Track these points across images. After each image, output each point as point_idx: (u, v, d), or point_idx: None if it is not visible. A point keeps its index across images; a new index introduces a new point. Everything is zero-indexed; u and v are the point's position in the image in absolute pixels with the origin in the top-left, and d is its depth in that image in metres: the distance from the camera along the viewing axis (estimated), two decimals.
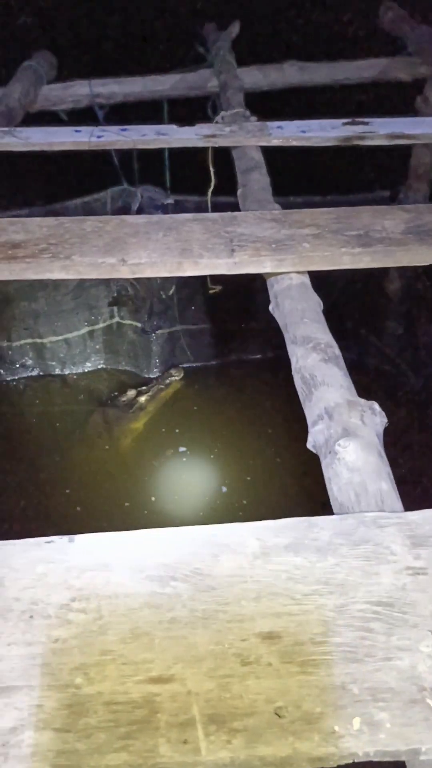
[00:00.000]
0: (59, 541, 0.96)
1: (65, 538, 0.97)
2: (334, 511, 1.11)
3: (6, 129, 2.49)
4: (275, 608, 0.85)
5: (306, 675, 0.78)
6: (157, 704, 0.75)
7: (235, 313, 3.93)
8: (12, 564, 0.91)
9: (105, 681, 0.77)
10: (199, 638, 0.82)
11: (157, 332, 3.93)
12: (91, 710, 0.75)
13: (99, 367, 4.15)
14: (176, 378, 3.99)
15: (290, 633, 0.82)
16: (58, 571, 0.90)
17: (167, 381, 3.97)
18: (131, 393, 3.93)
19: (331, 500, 1.14)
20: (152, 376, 4.08)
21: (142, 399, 3.92)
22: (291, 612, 0.85)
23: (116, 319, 4.04)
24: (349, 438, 1.15)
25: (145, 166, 3.59)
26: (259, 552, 0.93)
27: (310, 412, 1.32)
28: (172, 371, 4.00)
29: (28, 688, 0.77)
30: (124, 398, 3.94)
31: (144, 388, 3.95)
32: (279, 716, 0.74)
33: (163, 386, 3.96)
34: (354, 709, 0.75)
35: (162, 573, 0.90)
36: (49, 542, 0.95)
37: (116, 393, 4.00)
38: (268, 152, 2.50)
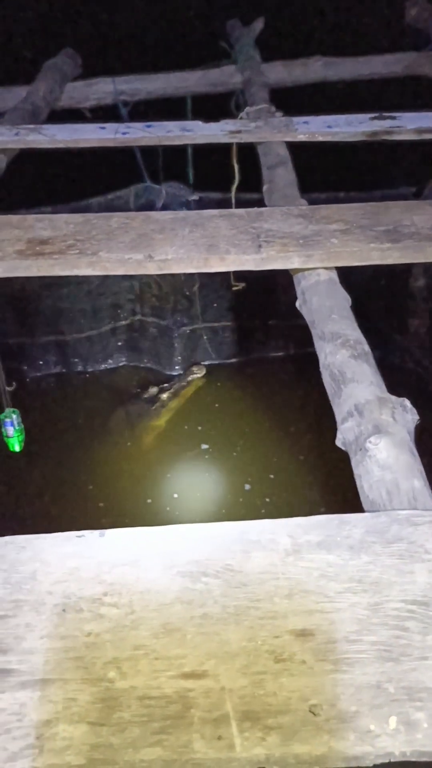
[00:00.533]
0: (90, 535, 0.96)
1: (96, 532, 0.97)
2: (365, 508, 1.10)
3: (32, 126, 2.50)
4: (308, 606, 0.85)
5: (340, 673, 0.77)
6: (190, 700, 0.75)
7: (257, 310, 3.92)
8: (44, 558, 0.91)
9: (138, 676, 0.77)
10: (232, 634, 0.82)
11: (179, 329, 3.93)
12: (124, 704, 0.74)
13: (121, 364, 4.16)
14: (198, 375, 3.99)
15: (323, 631, 0.82)
16: (89, 566, 0.90)
17: (189, 378, 3.97)
18: (153, 390, 3.93)
19: (361, 498, 1.13)
20: (174, 374, 4.08)
21: (164, 396, 3.92)
22: (324, 610, 0.84)
23: (138, 316, 4.05)
24: (380, 435, 1.13)
25: (169, 162, 3.59)
26: (290, 549, 0.92)
27: (339, 409, 1.31)
28: (194, 368, 3.99)
29: (62, 681, 0.77)
30: (146, 395, 3.95)
31: (166, 385, 3.95)
32: (314, 714, 0.73)
33: (185, 383, 3.96)
34: (390, 708, 0.74)
35: (193, 569, 0.90)
36: (79, 536, 0.96)
37: (138, 390, 4.01)
38: (292, 149, 2.48)
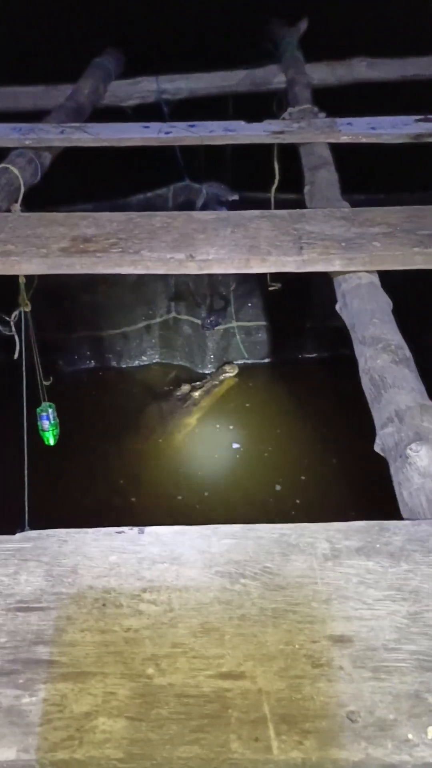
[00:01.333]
0: (130, 532, 0.97)
1: (135, 529, 0.98)
2: (404, 516, 1.09)
3: (77, 125, 2.53)
4: (346, 612, 0.85)
5: (379, 681, 0.77)
6: (228, 700, 0.75)
7: (292, 311, 3.91)
8: (86, 552, 0.93)
9: (176, 673, 0.78)
10: (270, 637, 0.82)
11: (214, 328, 3.94)
12: (163, 701, 0.75)
13: (154, 361, 4.19)
14: (230, 374, 3.99)
15: (362, 638, 0.81)
16: (131, 562, 0.91)
17: (221, 377, 3.98)
18: (185, 388, 3.95)
19: (399, 505, 1.12)
20: (206, 372, 4.09)
21: (196, 394, 3.93)
22: (363, 617, 0.84)
23: (173, 314, 4.07)
24: (421, 442, 1.13)
25: (209, 161, 3.59)
26: (329, 554, 0.92)
27: (379, 414, 1.30)
28: (226, 367, 4.00)
29: (102, 675, 0.78)
30: (178, 393, 3.96)
31: (198, 383, 3.96)
32: (351, 720, 0.73)
33: (217, 382, 3.97)
34: (429, 718, 0.73)
35: (232, 569, 0.91)
36: (120, 532, 0.97)
37: (171, 387, 4.03)
38: (335, 149, 2.47)
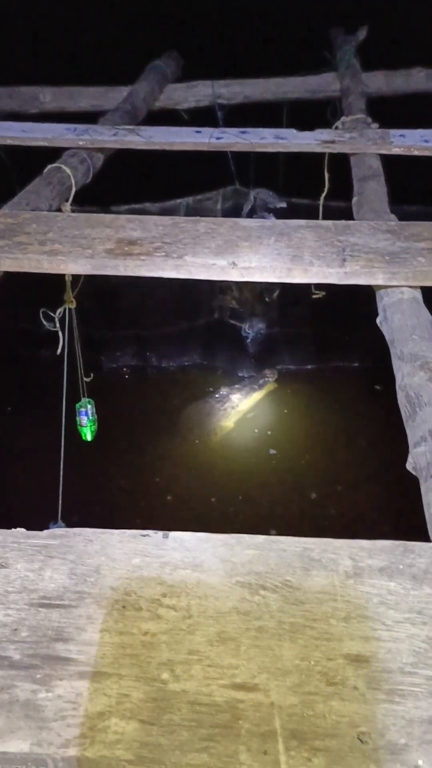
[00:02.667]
0: (155, 536, 0.98)
1: (159, 533, 0.99)
2: (431, 537, 1.08)
3: (131, 127, 2.56)
4: (364, 631, 0.84)
5: (392, 704, 0.76)
6: (239, 711, 0.76)
7: (336, 319, 3.89)
8: (110, 553, 0.94)
9: (190, 680, 0.79)
10: (286, 651, 0.82)
11: (256, 333, 3.94)
12: (175, 707, 0.76)
13: (195, 362, 4.21)
14: (270, 380, 3.99)
15: (379, 659, 0.81)
16: (153, 566, 0.92)
17: (261, 382, 3.98)
18: (225, 391, 3.96)
19: (428, 526, 1.11)
20: (246, 376, 4.10)
21: (235, 397, 3.94)
22: (381, 638, 0.83)
23: (216, 317, 4.08)
24: None
25: (260, 166, 3.60)
26: (351, 572, 0.92)
27: (413, 432, 1.29)
28: (267, 372, 4.00)
29: (117, 677, 0.79)
30: (217, 395, 3.98)
31: (238, 386, 3.97)
32: (362, 742, 0.73)
33: (256, 386, 3.97)
34: None
35: (252, 580, 0.91)
36: (144, 536, 0.98)
37: (211, 389, 4.05)
38: (387, 158, 2.45)
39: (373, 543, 0.96)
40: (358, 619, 0.86)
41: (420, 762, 0.72)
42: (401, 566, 0.93)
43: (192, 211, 3.67)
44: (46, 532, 1.00)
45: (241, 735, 0.74)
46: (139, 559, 0.94)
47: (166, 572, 0.92)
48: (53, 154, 2.34)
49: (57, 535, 0.99)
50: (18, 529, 1.01)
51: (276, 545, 0.97)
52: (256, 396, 3.97)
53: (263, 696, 0.77)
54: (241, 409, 3.91)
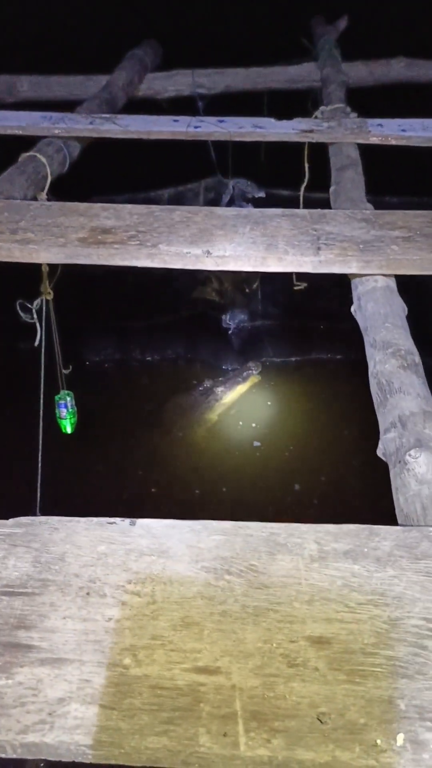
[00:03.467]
0: (121, 523, 0.98)
1: (127, 521, 0.99)
2: (399, 522, 1.08)
3: (107, 116, 2.55)
4: (328, 614, 0.85)
5: (353, 684, 0.77)
6: (201, 694, 0.76)
7: (318, 311, 3.89)
8: (75, 541, 0.94)
9: (153, 665, 0.79)
10: (249, 634, 0.82)
11: (238, 325, 3.94)
12: (136, 691, 0.76)
13: (178, 354, 4.20)
14: (254, 372, 3.98)
15: (340, 640, 0.81)
16: (118, 553, 0.92)
17: (245, 374, 3.97)
18: (208, 383, 3.95)
19: (396, 511, 1.11)
20: (230, 368, 4.09)
21: (219, 390, 3.93)
22: (343, 619, 0.84)
23: (198, 310, 4.07)
24: (420, 449, 1.12)
25: (240, 158, 3.59)
26: (316, 555, 0.92)
27: (383, 418, 1.29)
28: (251, 365, 3.99)
29: (79, 663, 0.79)
30: (200, 388, 3.97)
31: (221, 379, 3.97)
32: (321, 722, 0.73)
33: (240, 379, 3.96)
34: (399, 724, 0.73)
35: (218, 565, 0.91)
36: (111, 523, 0.98)
37: (194, 382, 4.04)
38: (368, 149, 2.45)
39: (339, 527, 0.97)
40: (322, 602, 0.86)
41: (378, 741, 0.72)
42: (366, 549, 0.93)
43: (173, 202, 3.66)
44: (11, 520, 0.99)
45: (201, 717, 0.74)
46: (105, 547, 0.94)
47: (132, 559, 0.92)
48: (28, 143, 2.31)
49: (22, 523, 0.98)
50: None
51: (243, 530, 0.97)
52: (240, 389, 3.96)
53: (225, 679, 0.78)
54: (224, 402, 3.91)
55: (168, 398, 3.96)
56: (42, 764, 2.45)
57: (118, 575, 0.90)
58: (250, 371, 3.99)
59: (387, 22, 3.88)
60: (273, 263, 1.66)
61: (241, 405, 3.92)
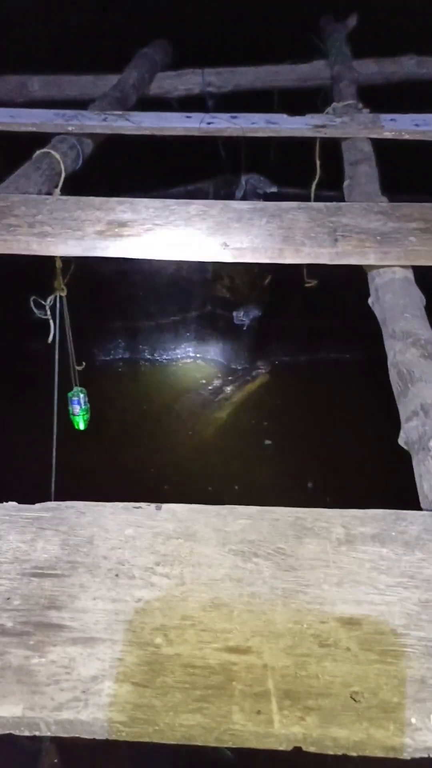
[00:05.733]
0: (147, 507, 0.98)
1: (152, 505, 0.99)
2: (423, 507, 1.08)
3: (119, 113, 2.55)
4: (357, 596, 0.84)
5: (385, 664, 0.77)
6: (233, 673, 0.76)
7: (328, 310, 3.89)
8: (103, 524, 0.94)
9: (184, 644, 0.79)
10: (278, 615, 0.82)
11: (249, 324, 3.94)
12: (168, 670, 0.76)
13: (188, 353, 4.20)
14: (263, 371, 3.99)
15: (371, 622, 0.81)
16: (146, 536, 0.92)
17: (254, 373, 3.98)
18: (217, 382, 3.96)
19: (420, 497, 1.11)
20: (240, 368, 4.10)
21: (228, 389, 3.94)
22: (373, 601, 0.84)
23: (209, 308, 4.08)
24: None
25: (252, 155, 3.59)
26: (344, 539, 0.92)
27: (405, 408, 1.29)
28: (260, 364, 4.00)
29: (111, 642, 0.79)
30: (210, 387, 3.98)
31: (231, 378, 3.97)
32: (354, 701, 0.73)
33: (249, 378, 3.97)
34: None
35: (245, 548, 0.91)
36: (137, 507, 0.98)
37: (203, 381, 4.04)
38: (379, 147, 2.44)
39: (365, 512, 0.97)
40: (351, 584, 0.86)
41: (413, 720, 0.72)
42: (393, 533, 0.93)
43: None
44: (38, 505, 1.00)
45: (234, 696, 0.74)
46: (132, 530, 0.94)
47: (159, 542, 0.92)
48: (41, 141, 2.32)
49: (49, 507, 0.99)
50: (10, 502, 1.01)
51: (268, 515, 0.97)
52: (250, 387, 3.97)
53: (256, 658, 0.78)
54: (234, 401, 3.91)
55: (178, 397, 3.97)
56: (56, 760, 2.46)
57: (146, 558, 0.90)
58: (260, 371, 3.99)
59: (397, 19, 3.88)
60: (290, 255, 1.66)
61: (251, 403, 3.93)
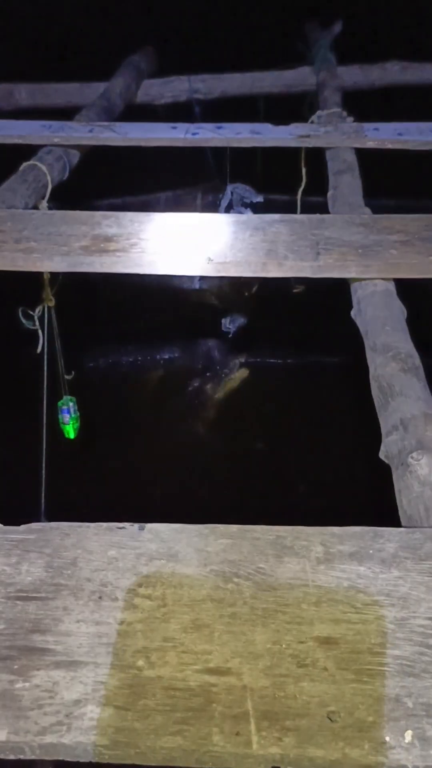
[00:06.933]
0: (130, 528, 1.00)
1: (136, 525, 1.01)
2: (402, 523, 1.10)
3: (106, 124, 2.57)
4: (335, 614, 0.86)
5: (361, 683, 0.79)
6: (213, 695, 0.78)
7: (316, 314, 3.91)
8: (86, 546, 0.96)
9: (165, 666, 0.81)
10: (258, 636, 0.84)
11: (237, 329, 3.97)
12: (150, 693, 0.78)
13: (176, 358, 4.22)
14: (239, 364, 3.99)
15: (348, 641, 0.83)
16: (128, 557, 0.94)
17: (230, 367, 3.99)
18: (196, 383, 3.97)
19: (399, 513, 1.13)
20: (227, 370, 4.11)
21: (208, 388, 3.95)
22: (350, 620, 0.86)
23: (198, 313, 4.10)
24: (422, 451, 1.14)
25: (237, 162, 3.61)
26: (323, 557, 0.94)
27: (385, 422, 1.31)
28: (235, 360, 4.01)
29: (94, 665, 0.81)
30: (190, 388, 3.99)
31: (208, 375, 3.98)
32: (331, 720, 0.75)
33: (225, 374, 3.97)
34: (407, 722, 0.75)
35: (226, 569, 0.93)
36: (121, 528, 1.00)
37: (188, 383, 4.05)
38: (364, 152, 2.47)
39: (344, 529, 0.99)
40: (329, 603, 0.88)
41: (387, 738, 0.74)
42: (371, 551, 0.95)
43: (170, 206, 3.68)
44: (23, 527, 1.01)
45: (214, 717, 0.76)
46: (115, 551, 0.96)
47: (142, 563, 0.94)
48: (27, 151, 2.33)
49: (34, 529, 1.00)
50: None
51: (249, 534, 0.99)
52: (229, 384, 3.97)
53: (236, 679, 0.79)
54: (217, 399, 3.92)
55: (167, 401, 3.98)
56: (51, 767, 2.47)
57: (129, 579, 0.92)
58: (236, 365, 3.99)
59: (381, 25, 3.90)
60: (273, 269, 1.68)
61: (241, 407, 3.94)
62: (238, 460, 3.63)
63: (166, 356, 4.21)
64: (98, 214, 1.87)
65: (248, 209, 3.36)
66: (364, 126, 2.51)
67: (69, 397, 2.72)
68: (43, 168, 2.23)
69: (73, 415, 2.74)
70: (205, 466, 3.59)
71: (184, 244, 1.73)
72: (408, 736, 0.74)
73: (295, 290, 3.21)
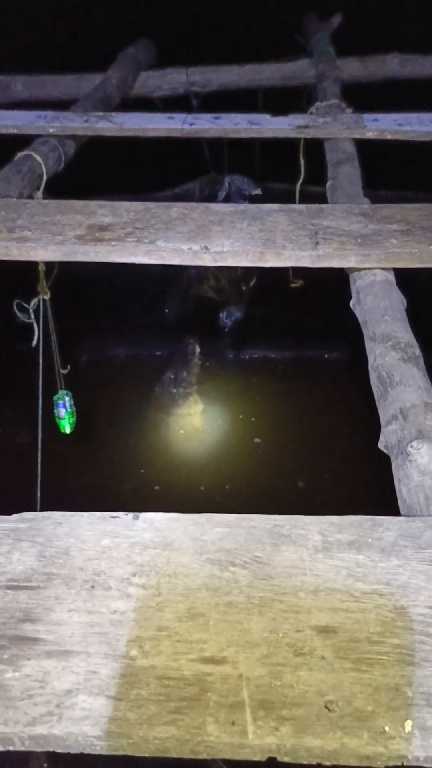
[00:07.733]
0: (125, 517, 0.98)
1: (130, 515, 0.99)
2: (402, 513, 1.09)
3: (102, 114, 2.54)
4: (333, 603, 0.85)
5: (359, 672, 0.77)
6: (207, 684, 0.76)
7: (315, 309, 3.90)
8: (79, 535, 0.94)
9: (159, 656, 0.79)
10: (254, 625, 0.82)
11: (235, 323, 3.95)
12: (143, 682, 0.76)
13: (172, 352, 4.20)
14: (193, 345, 3.98)
15: (346, 629, 0.81)
16: (122, 546, 0.92)
17: (189, 349, 3.97)
18: (170, 374, 3.96)
19: (398, 502, 1.12)
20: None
21: (182, 376, 3.94)
22: (349, 609, 0.84)
23: (196, 307, 4.08)
24: (422, 440, 1.12)
25: (235, 154, 3.59)
26: (320, 546, 0.92)
27: (384, 411, 1.29)
28: (189, 344, 3.98)
29: (86, 654, 0.79)
30: (166, 382, 3.98)
31: (174, 364, 3.97)
32: (329, 710, 0.74)
33: (187, 356, 3.96)
34: (407, 711, 0.73)
35: (222, 557, 0.91)
36: (114, 517, 0.98)
37: (171, 376, 4.03)
38: (364, 143, 2.44)
39: (342, 518, 0.97)
40: (327, 592, 0.86)
41: (386, 728, 0.72)
42: (370, 540, 0.93)
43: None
44: (15, 516, 0.99)
45: (209, 707, 0.74)
46: (109, 540, 0.94)
47: (136, 552, 0.92)
48: (23, 142, 2.31)
49: (26, 518, 0.98)
50: None
51: (246, 523, 0.97)
52: (194, 366, 3.95)
53: (231, 668, 0.78)
54: (194, 383, 3.90)
55: (163, 396, 3.96)
56: (45, 764, 2.45)
57: (123, 568, 0.90)
58: (190, 344, 3.97)
59: (381, 18, 3.88)
60: (271, 258, 1.66)
61: (240, 401, 3.92)
62: (235, 454, 3.61)
63: (163, 350, 4.19)
64: (93, 204, 1.85)
65: (246, 201, 3.33)
66: (364, 116, 2.49)
67: (65, 392, 2.70)
68: (38, 158, 2.21)
69: (68, 410, 2.71)
70: (202, 461, 3.57)
71: (181, 233, 1.71)
72: (408, 726, 0.72)
73: (293, 285, 3.19)
